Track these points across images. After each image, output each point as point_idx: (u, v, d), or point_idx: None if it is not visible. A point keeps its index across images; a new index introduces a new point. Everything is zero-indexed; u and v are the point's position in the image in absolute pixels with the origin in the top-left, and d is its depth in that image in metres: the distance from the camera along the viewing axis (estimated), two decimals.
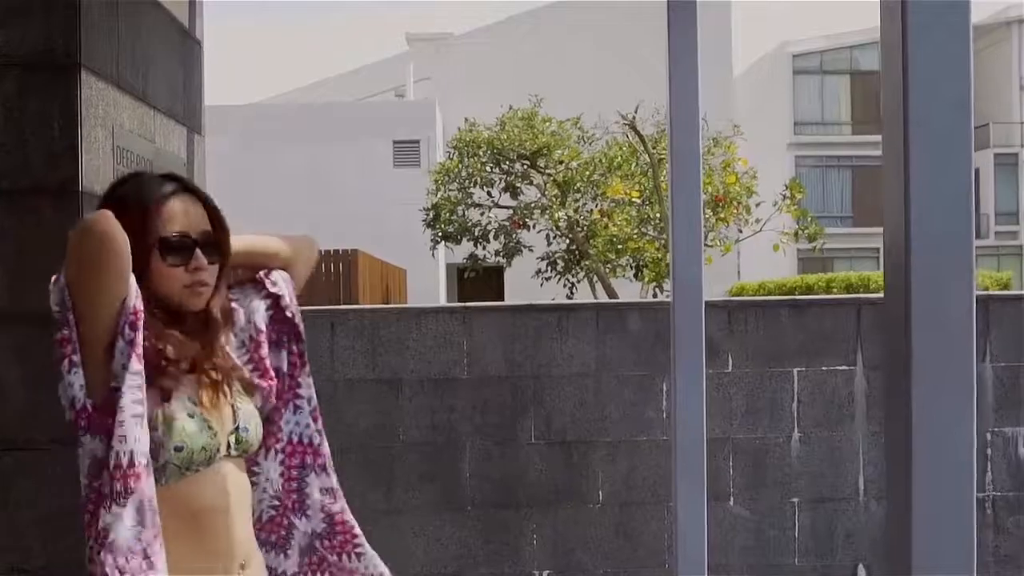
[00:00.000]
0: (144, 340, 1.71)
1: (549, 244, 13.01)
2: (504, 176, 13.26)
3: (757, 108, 32.30)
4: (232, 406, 1.85)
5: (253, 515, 1.92)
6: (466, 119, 13.82)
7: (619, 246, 11.49)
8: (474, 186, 13.39)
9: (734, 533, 5.13)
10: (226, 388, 1.84)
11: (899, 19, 1.57)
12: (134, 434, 1.65)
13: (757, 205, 11.61)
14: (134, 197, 1.80)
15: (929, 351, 1.58)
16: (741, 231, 12.31)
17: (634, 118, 11.55)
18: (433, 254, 15.54)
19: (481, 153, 13.11)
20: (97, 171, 2.56)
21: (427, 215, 13.76)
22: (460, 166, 13.39)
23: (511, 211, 13.20)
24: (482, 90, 19.47)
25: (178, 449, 1.73)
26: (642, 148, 11.63)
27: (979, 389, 5.09)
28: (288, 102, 24.42)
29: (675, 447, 2.58)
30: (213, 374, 1.82)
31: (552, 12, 23.96)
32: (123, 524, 1.63)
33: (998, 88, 35.09)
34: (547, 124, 13.04)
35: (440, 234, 13.68)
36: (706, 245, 11.51)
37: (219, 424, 1.81)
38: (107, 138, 2.63)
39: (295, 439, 1.97)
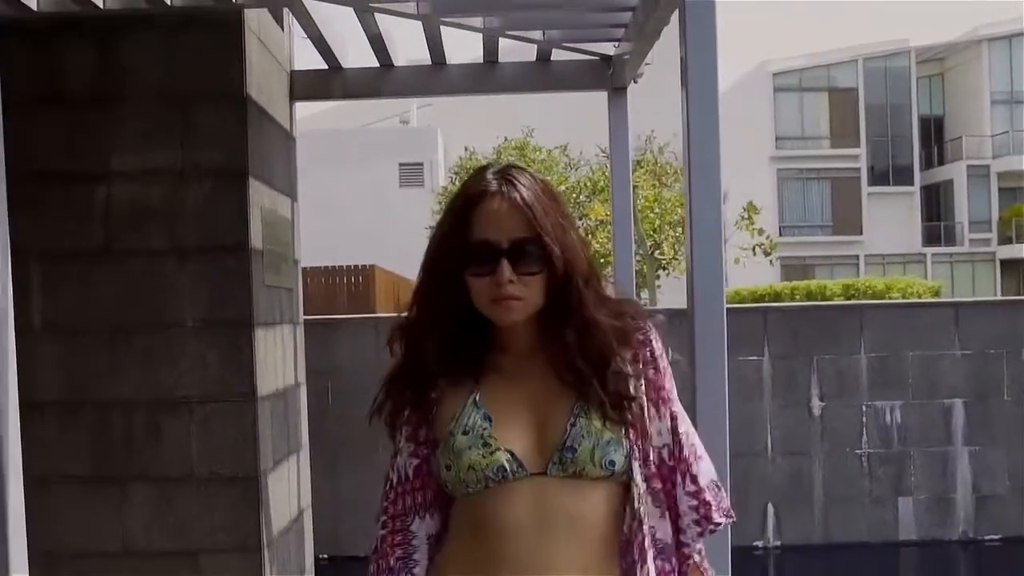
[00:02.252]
0: None
1: None
2: None
3: (741, 124, 33.80)
4: None
5: None
6: (466, 148, 15.53)
7: (602, 260, 13.21)
8: None
9: None
10: None
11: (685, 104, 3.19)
12: None
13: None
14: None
15: (701, 347, 3.19)
16: None
17: None
18: None
19: None
20: (257, 234, 4.27)
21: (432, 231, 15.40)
22: None
23: None
24: (478, 115, 21.18)
25: None
26: None
27: (855, 373, 6.82)
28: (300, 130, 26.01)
29: None
30: None
31: None
32: None
33: (970, 103, 36.49)
34: (537, 152, 14.77)
35: None
36: (677, 259, 13.23)
37: None
38: (259, 215, 4.33)
39: None
